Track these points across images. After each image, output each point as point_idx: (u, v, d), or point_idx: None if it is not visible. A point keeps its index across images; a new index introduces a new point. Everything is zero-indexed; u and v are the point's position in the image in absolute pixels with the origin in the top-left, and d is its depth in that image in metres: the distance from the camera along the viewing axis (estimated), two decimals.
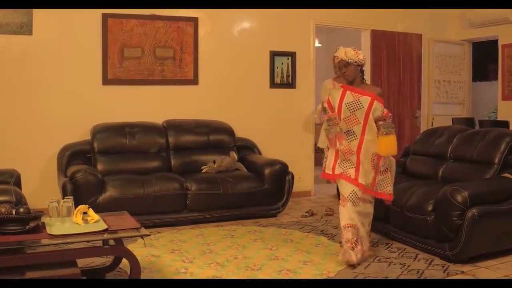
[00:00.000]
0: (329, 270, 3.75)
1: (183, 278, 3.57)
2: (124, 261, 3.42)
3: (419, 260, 3.96)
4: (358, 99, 3.82)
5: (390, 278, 3.58)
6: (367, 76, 7.08)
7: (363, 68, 3.98)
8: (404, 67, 7.28)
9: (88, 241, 3.28)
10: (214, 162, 5.58)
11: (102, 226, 3.13)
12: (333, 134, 3.80)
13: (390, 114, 3.89)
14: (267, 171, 5.42)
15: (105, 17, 5.65)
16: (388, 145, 3.77)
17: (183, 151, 5.71)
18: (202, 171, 5.52)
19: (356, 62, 3.86)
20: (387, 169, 3.94)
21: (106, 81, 5.71)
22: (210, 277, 3.58)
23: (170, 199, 5.02)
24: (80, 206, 3.24)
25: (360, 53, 3.92)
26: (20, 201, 3.86)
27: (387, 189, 3.95)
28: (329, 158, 3.94)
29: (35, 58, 5.41)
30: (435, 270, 3.74)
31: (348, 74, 3.91)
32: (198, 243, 4.44)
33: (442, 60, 7.68)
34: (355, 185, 3.79)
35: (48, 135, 5.48)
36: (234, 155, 5.73)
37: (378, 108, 3.84)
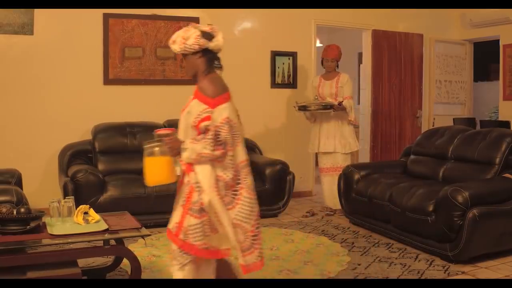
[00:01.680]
0: (330, 270, 3.75)
1: None
2: (125, 261, 3.42)
3: (419, 261, 3.95)
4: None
5: (390, 278, 3.59)
6: (368, 76, 7.10)
7: (213, 52, 2.65)
8: (405, 67, 7.27)
9: (89, 241, 3.28)
10: None
11: (103, 226, 3.14)
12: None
13: (219, 128, 2.52)
14: (268, 171, 5.41)
15: (106, 17, 5.65)
16: (150, 170, 2.59)
17: None
18: None
19: (186, 50, 2.57)
20: (203, 210, 2.55)
21: (107, 81, 5.72)
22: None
23: (171, 199, 4.98)
24: (81, 206, 3.24)
25: (189, 36, 2.52)
26: (21, 201, 3.87)
27: (199, 243, 2.52)
28: None
29: (36, 58, 5.42)
30: (436, 270, 3.73)
31: (186, 69, 2.76)
32: None
33: (443, 60, 7.68)
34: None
35: (49, 135, 5.49)
36: None
37: (194, 110, 2.59)
